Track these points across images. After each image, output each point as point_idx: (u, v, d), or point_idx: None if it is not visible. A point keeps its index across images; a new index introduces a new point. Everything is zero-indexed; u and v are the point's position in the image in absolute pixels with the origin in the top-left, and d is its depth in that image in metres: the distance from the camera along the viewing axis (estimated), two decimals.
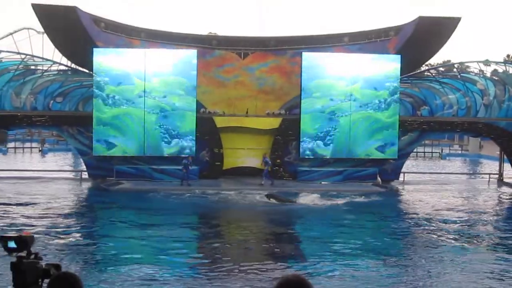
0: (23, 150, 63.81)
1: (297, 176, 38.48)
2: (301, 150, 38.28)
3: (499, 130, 40.24)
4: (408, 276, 18.55)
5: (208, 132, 38.00)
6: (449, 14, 41.76)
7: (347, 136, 38.17)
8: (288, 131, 38.79)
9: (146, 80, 36.93)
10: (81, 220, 27.38)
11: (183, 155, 36.68)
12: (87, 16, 37.54)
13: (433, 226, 26.68)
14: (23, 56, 38.90)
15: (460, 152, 72.02)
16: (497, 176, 43.17)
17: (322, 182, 37.85)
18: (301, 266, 19.50)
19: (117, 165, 37.31)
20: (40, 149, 64.15)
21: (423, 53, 39.86)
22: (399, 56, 38.07)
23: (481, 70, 41.21)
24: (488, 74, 41.59)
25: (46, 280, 4.60)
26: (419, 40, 38.18)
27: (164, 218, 27.67)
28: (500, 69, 41.93)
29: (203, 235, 25.33)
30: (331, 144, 38.19)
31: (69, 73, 39.58)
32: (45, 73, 38.62)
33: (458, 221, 27.86)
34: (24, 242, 4.76)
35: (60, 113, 38.12)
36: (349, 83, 38.00)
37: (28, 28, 44.48)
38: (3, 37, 42.80)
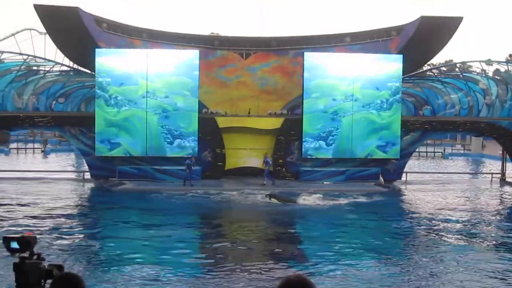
0: (25, 150, 63.89)
1: (300, 176, 38.49)
2: (303, 150, 38.27)
3: (501, 129, 40.23)
4: (410, 275, 18.52)
5: (210, 132, 38.01)
6: (450, 14, 41.64)
7: (349, 136, 38.16)
8: (290, 131, 38.79)
9: (148, 81, 36.95)
10: (83, 220, 27.40)
11: (185, 156, 36.69)
12: (89, 17, 37.56)
13: (435, 225, 26.65)
14: (25, 57, 38.95)
15: (462, 151, 72.09)
16: (499, 175, 43.17)
17: (325, 182, 37.83)
18: (303, 266, 19.48)
19: (119, 166, 37.33)
20: (43, 149, 64.26)
21: (425, 53, 39.86)
22: (401, 56, 38.07)
23: (483, 70, 41.21)
24: (490, 74, 41.54)
25: (49, 281, 4.61)
26: (421, 40, 38.18)
27: (166, 218, 27.66)
28: (502, 68, 41.91)
29: (205, 235, 25.31)
30: (333, 144, 38.18)
31: (71, 73, 39.59)
32: (47, 74, 38.65)
33: (460, 221, 27.83)
34: (27, 242, 4.77)
35: (62, 114, 38.16)
36: (351, 83, 37.99)
37: (30, 29, 44.55)
38: (5, 38, 42.83)
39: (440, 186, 39.94)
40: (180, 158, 36.94)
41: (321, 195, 32.86)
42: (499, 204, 34.69)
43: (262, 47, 40.60)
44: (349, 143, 38.23)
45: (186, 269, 19.10)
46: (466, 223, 27.41)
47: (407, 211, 31.28)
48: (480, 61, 41.39)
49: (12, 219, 26.20)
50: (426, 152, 64.95)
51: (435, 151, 66.62)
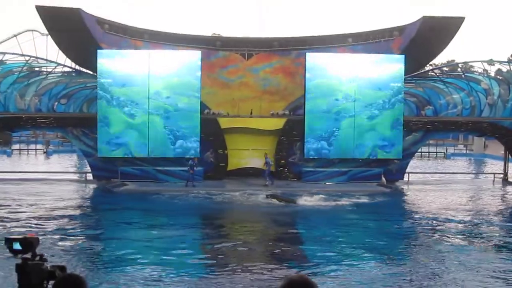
0: (27, 151, 63.99)
1: (302, 177, 38.48)
2: (305, 150, 38.25)
3: (503, 129, 40.21)
4: (412, 276, 18.52)
5: (212, 133, 38.02)
6: (452, 14, 41.62)
7: (351, 136, 38.12)
8: (292, 132, 38.78)
9: (150, 82, 36.95)
10: (86, 221, 27.41)
11: (188, 156, 36.70)
12: (91, 18, 37.59)
13: (437, 226, 26.64)
14: (27, 58, 38.98)
15: (464, 151, 71.99)
16: (502, 175, 43.11)
17: (327, 183, 37.80)
18: (305, 267, 19.50)
19: (121, 167, 37.34)
20: (45, 150, 64.31)
21: (427, 53, 39.82)
22: (403, 56, 38.07)
23: (485, 70, 41.16)
24: (492, 74, 41.47)
25: (51, 282, 4.61)
26: (423, 40, 38.16)
27: (169, 219, 27.70)
28: (504, 68, 41.86)
29: (207, 236, 25.31)
30: (335, 145, 38.14)
31: (73, 74, 39.59)
32: (49, 75, 38.69)
33: (462, 221, 27.81)
34: (29, 243, 4.76)
35: (65, 115, 38.20)
36: (353, 84, 37.96)
37: (32, 30, 44.42)
38: (7, 39, 42.76)
39: (442, 186, 39.90)
40: (182, 159, 36.95)
41: (323, 196, 32.92)
42: (502, 204, 34.66)
43: (264, 48, 40.60)
44: (351, 143, 38.21)
45: (189, 269, 19.12)
46: (469, 223, 27.40)
47: (409, 212, 31.27)
48: (482, 61, 41.37)
49: (14, 220, 26.24)
50: (429, 152, 64.89)
51: (437, 151, 66.55)
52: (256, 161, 38.63)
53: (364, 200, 33.03)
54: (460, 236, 24.64)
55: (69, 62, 40.09)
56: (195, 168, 36.00)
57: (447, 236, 24.51)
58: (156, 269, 18.69)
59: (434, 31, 37.95)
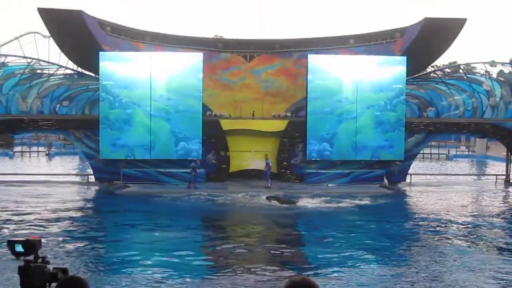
0: (29, 154, 64.00)
1: (304, 179, 38.47)
2: (307, 152, 38.24)
3: (505, 131, 40.21)
4: (414, 277, 18.50)
5: (214, 135, 38.03)
6: (453, 15, 41.61)
7: (353, 138, 38.12)
8: (294, 133, 38.78)
9: (152, 84, 36.96)
10: (88, 223, 27.40)
11: (190, 158, 36.71)
12: (93, 20, 37.61)
13: (439, 227, 26.63)
14: (29, 60, 39.03)
15: (467, 153, 72.00)
16: (504, 177, 43.07)
17: (329, 184, 37.80)
18: (307, 268, 19.49)
19: (123, 169, 37.35)
20: (47, 153, 64.35)
21: (429, 55, 39.82)
22: (405, 58, 38.05)
23: (487, 71, 41.13)
24: (494, 75, 41.44)
25: (54, 284, 4.61)
26: (424, 42, 38.16)
27: (171, 221, 27.72)
28: (506, 70, 41.80)
29: (209, 237, 25.28)
30: (337, 146, 38.12)
31: (75, 77, 39.64)
32: (51, 77, 38.71)
33: (465, 223, 27.77)
34: (32, 246, 4.77)
35: (67, 117, 38.22)
36: (355, 85, 37.96)
37: (34, 32, 44.56)
38: (9, 42, 42.87)
39: (444, 187, 39.88)
40: (184, 160, 36.97)
41: (325, 197, 32.94)
42: (504, 206, 34.62)
43: (266, 50, 40.62)
44: (353, 145, 38.19)
45: (191, 271, 19.10)
46: (471, 225, 27.35)
47: (411, 213, 31.24)
48: (484, 63, 41.37)
49: (16, 222, 26.25)
50: (431, 153, 64.88)
51: (440, 152, 66.51)
52: (258, 163, 38.60)
53: (366, 201, 33.01)
54: (462, 238, 24.61)
55: (71, 64, 40.17)
56: (197, 170, 36.03)
57: (449, 238, 24.48)
58: (158, 271, 18.66)
59: (436, 33, 37.94)
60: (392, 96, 38.07)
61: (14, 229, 24.55)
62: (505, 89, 39.93)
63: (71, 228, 25.73)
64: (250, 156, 39.30)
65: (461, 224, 27.50)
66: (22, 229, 24.55)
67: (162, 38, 39.86)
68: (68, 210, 29.94)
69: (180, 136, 37.23)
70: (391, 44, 39.64)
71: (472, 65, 44.47)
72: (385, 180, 37.93)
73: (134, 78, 36.88)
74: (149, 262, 19.85)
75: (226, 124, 38.47)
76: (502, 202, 36.12)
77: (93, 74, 38.49)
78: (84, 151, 39.11)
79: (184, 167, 36.73)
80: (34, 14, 36.64)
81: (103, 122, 36.72)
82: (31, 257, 4.75)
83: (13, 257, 4.82)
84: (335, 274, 18.59)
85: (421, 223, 27.93)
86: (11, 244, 4.78)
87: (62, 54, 39.09)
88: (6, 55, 39.15)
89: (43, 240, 4.99)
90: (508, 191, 39.72)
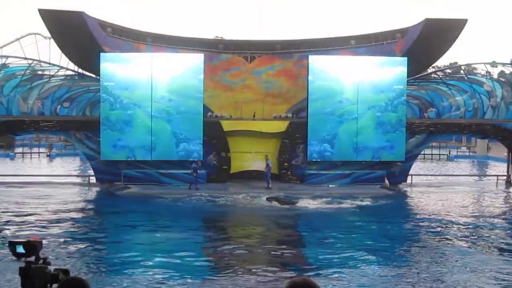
0: (30, 155, 63.99)
1: (305, 179, 38.45)
2: (308, 153, 38.24)
3: (506, 131, 40.20)
4: (414, 278, 18.49)
5: (215, 136, 38.00)
6: (453, 15, 41.66)
7: (354, 139, 38.10)
8: (295, 134, 38.76)
9: (153, 85, 36.95)
10: (89, 224, 27.41)
11: (191, 159, 36.70)
12: (94, 21, 37.61)
13: (440, 228, 26.62)
14: (30, 61, 39.02)
15: (467, 154, 71.98)
16: (505, 177, 43.06)
17: (330, 185, 37.80)
18: (308, 269, 19.49)
19: (124, 170, 37.36)
20: (48, 154, 64.33)
21: (430, 55, 39.79)
22: (405, 59, 38.02)
23: (488, 72, 41.11)
24: (495, 76, 41.41)
25: (55, 285, 4.61)
26: (425, 42, 38.14)
27: (172, 221, 27.73)
28: (507, 70, 41.72)
29: (210, 238, 25.30)
30: (338, 147, 38.11)
31: (76, 78, 39.64)
32: (52, 78, 38.72)
33: (466, 223, 27.77)
34: (33, 247, 4.77)
35: (68, 118, 38.24)
36: (356, 86, 37.94)
37: (34, 34, 44.51)
38: (10, 43, 42.85)
39: (445, 188, 39.87)
40: (185, 161, 36.96)
41: (326, 198, 32.95)
42: (505, 206, 34.63)
43: (267, 51, 40.62)
44: (354, 146, 38.18)
45: (192, 272, 19.11)
46: (472, 226, 27.35)
47: (412, 214, 31.22)
48: (485, 63, 41.32)
49: (17, 223, 26.26)
50: (432, 154, 64.89)
51: (441, 153, 66.54)
52: (259, 164, 38.57)
53: (367, 202, 32.99)
54: (463, 239, 24.60)
55: (72, 66, 40.14)
56: (198, 171, 36.03)
57: (450, 239, 24.48)
58: (159, 272, 18.68)
59: (437, 33, 37.93)
60: (393, 97, 38.07)
61: (15, 230, 24.57)
62: (506, 90, 39.93)
63: (72, 229, 25.74)
64: (251, 157, 39.27)
65: (462, 225, 27.49)
66: (23, 230, 24.57)
67: (163, 39, 39.85)
68: (69, 211, 29.95)
69: (181, 137, 37.23)
70: (392, 45, 39.63)
71: (473, 65, 44.56)
72: (386, 181, 37.92)
73: (135, 79, 36.87)
74: (150, 263, 19.86)
75: (227, 125, 38.45)
76: (503, 202, 36.12)
77: (94, 75, 38.50)
78: (85, 152, 39.11)
79: (185, 168, 36.74)
80: (34, 14, 36.65)
81: (104, 123, 36.71)
82: (32, 258, 4.75)
83: (14, 258, 4.82)
84: (336, 275, 18.59)
85: (422, 223, 27.93)
86: (12, 245, 4.79)
87: (63, 55, 39.08)
88: (7, 56, 39.15)
89: (44, 241, 4.99)
90: (509, 192, 39.73)
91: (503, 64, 42.05)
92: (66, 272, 4.73)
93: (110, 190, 36.26)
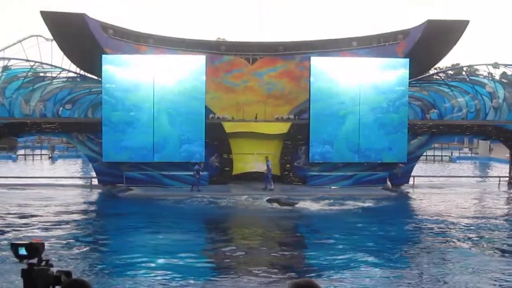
0: (33, 157, 64.02)
1: (307, 181, 38.46)
2: (310, 154, 38.22)
3: (508, 132, 40.19)
4: (416, 279, 18.49)
5: (217, 137, 38.00)
6: (454, 16, 41.67)
7: (356, 140, 38.07)
8: (297, 136, 38.74)
9: (154, 86, 36.96)
10: (91, 226, 27.41)
11: (193, 161, 36.69)
12: (95, 23, 37.65)
13: (442, 229, 26.61)
14: (32, 63, 39.06)
15: (470, 155, 71.93)
16: (507, 179, 43.03)
17: (332, 187, 37.79)
18: (310, 271, 19.48)
19: (126, 171, 37.35)
20: (50, 156, 64.36)
21: (432, 57, 39.79)
22: (407, 60, 38.01)
23: (490, 73, 41.11)
24: (497, 77, 41.40)
25: (57, 287, 4.61)
26: (427, 44, 38.14)
27: (174, 223, 27.68)
28: (509, 71, 41.70)
29: (213, 240, 25.30)
30: (340, 149, 38.07)
31: (78, 79, 39.67)
32: (54, 80, 38.75)
33: (468, 225, 27.76)
34: (35, 249, 4.77)
35: (70, 120, 38.25)
36: (358, 87, 37.93)
37: (36, 36, 44.67)
38: (12, 45, 42.99)
39: (447, 189, 39.86)
40: (187, 163, 36.95)
41: (327, 200, 32.95)
42: (507, 208, 34.62)
43: (269, 52, 40.64)
44: (356, 147, 38.15)
45: (194, 273, 19.10)
46: (474, 227, 27.32)
47: (414, 215, 31.18)
48: (487, 64, 41.30)
49: (20, 225, 26.27)
50: (434, 155, 64.87)
51: (443, 154, 66.50)
52: (261, 166, 38.52)
53: (369, 204, 32.96)
54: (465, 240, 24.57)
55: (74, 67, 40.19)
56: (200, 173, 36.04)
57: (452, 240, 24.44)
58: (161, 274, 18.69)
59: (439, 35, 37.92)
60: (395, 98, 38.05)
61: (18, 232, 24.57)
62: (508, 91, 39.93)
63: (74, 231, 25.74)
64: (253, 159, 39.26)
65: (464, 226, 27.48)
66: (26, 232, 24.57)
67: (165, 41, 39.90)
68: (71, 213, 29.96)
69: (183, 139, 37.20)
70: (394, 46, 39.64)
71: (475, 67, 44.43)
72: (388, 182, 37.88)
73: (136, 81, 36.87)
74: (153, 265, 19.87)
75: (229, 127, 38.46)
76: (505, 204, 36.10)
77: (95, 77, 38.54)
78: (87, 154, 39.12)
79: (187, 170, 36.74)
80: (34, 14, 36.74)
81: (106, 125, 36.72)
82: (34, 260, 4.75)
83: (17, 260, 4.82)
84: (338, 277, 18.59)
85: (424, 225, 27.92)
86: (14, 247, 4.79)
87: (65, 57, 39.15)
88: (9, 58, 39.20)
89: (46, 243, 4.99)
90: (511, 193, 39.67)
91: (505, 65, 42.02)
92: (68, 274, 4.73)
93: (112, 192, 36.26)
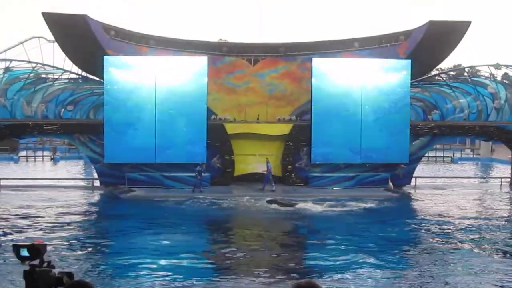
0: (34, 158, 64.08)
1: (309, 182, 38.43)
2: (312, 155, 38.20)
3: (510, 133, 40.17)
4: (418, 280, 18.47)
5: (219, 138, 37.98)
6: (454, 16, 41.64)
7: (358, 141, 38.02)
8: (299, 137, 38.72)
9: (156, 87, 36.95)
10: (93, 227, 27.47)
11: (195, 162, 36.66)
12: (97, 24, 37.66)
13: (444, 230, 26.63)
14: (34, 65, 39.08)
15: (471, 156, 71.84)
16: (509, 179, 43.01)
17: (334, 188, 37.77)
18: (312, 272, 19.49)
19: (128, 173, 37.34)
20: (52, 157, 64.35)
21: (434, 58, 39.78)
22: (409, 61, 37.99)
23: (491, 74, 41.06)
24: (499, 78, 41.40)
25: None
26: (429, 45, 38.15)
27: (176, 224, 27.65)
28: (511, 72, 41.73)
29: (214, 241, 25.32)
30: (342, 150, 38.02)
31: (80, 81, 39.67)
32: (56, 82, 38.77)
33: (469, 225, 27.75)
34: (37, 250, 4.77)
35: (71, 121, 38.27)
36: (360, 88, 37.89)
37: (38, 37, 44.61)
38: (13, 46, 42.94)
39: (449, 190, 39.83)
40: (189, 164, 36.93)
41: (329, 201, 32.92)
42: (509, 209, 34.60)
43: (270, 53, 40.62)
44: (358, 148, 38.11)
45: (196, 274, 19.12)
46: (475, 228, 27.31)
47: (416, 216, 31.12)
48: (488, 65, 41.27)
49: (21, 227, 26.28)
50: (435, 156, 64.80)
51: (444, 155, 66.45)
52: (263, 167, 38.51)
53: (371, 205, 32.91)
54: (467, 241, 24.57)
55: (75, 69, 40.19)
56: (202, 174, 36.03)
57: (454, 241, 24.45)
58: (163, 275, 18.71)
59: (440, 36, 37.93)
60: (396, 99, 38.00)
61: (20, 234, 24.59)
62: (510, 92, 39.90)
63: (76, 232, 25.76)
64: (254, 160, 39.23)
65: (466, 227, 27.48)
66: (27, 233, 24.59)
67: (166, 42, 39.90)
68: (73, 214, 29.97)
69: (184, 140, 37.17)
70: (396, 47, 39.62)
71: (477, 67, 44.35)
72: (390, 183, 37.84)
73: (138, 82, 36.86)
74: (154, 266, 19.88)
75: (230, 128, 38.45)
76: (507, 205, 36.05)
77: (97, 78, 38.53)
78: (89, 155, 39.13)
79: (189, 171, 36.72)
80: (34, 14, 36.88)
81: (107, 126, 36.69)
82: (36, 262, 4.75)
83: (19, 261, 4.82)
84: (340, 277, 18.59)
85: (425, 226, 27.90)
86: (16, 248, 4.79)
87: (67, 59, 39.15)
88: (11, 60, 39.19)
89: (48, 244, 4.99)
90: None
91: (507, 66, 42.01)
92: (70, 275, 4.73)
93: (114, 193, 36.28)
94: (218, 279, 18.59)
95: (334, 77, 37.92)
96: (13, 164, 58.34)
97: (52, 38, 39.80)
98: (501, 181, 43.00)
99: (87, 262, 20.42)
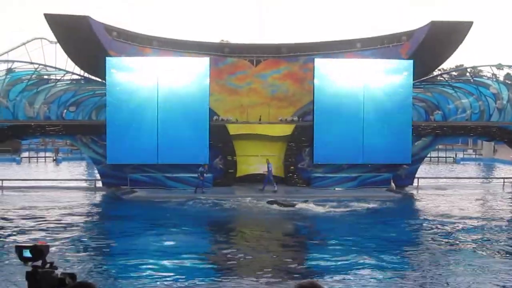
0: (37, 159, 64.14)
1: (311, 183, 38.41)
2: (314, 156, 38.18)
3: None
4: (420, 280, 18.46)
5: (221, 139, 37.98)
6: (454, 16, 41.64)
7: (360, 141, 38.00)
8: (301, 138, 38.72)
9: (158, 88, 36.95)
10: (95, 228, 27.49)
11: (197, 163, 36.65)
12: (99, 25, 37.68)
13: (446, 230, 26.59)
14: (36, 66, 39.07)
15: (474, 156, 71.80)
16: (511, 180, 42.95)
17: (336, 188, 37.75)
18: (314, 272, 19.48)
19: (131, 174, 37.34)
20: (54, 158, 64.37)
21: (436, 58, 39.76)
22: (411, 61, 37.97)
23: (494, 74, 41.01)
24: (501, 78, 41.36)
25: None
26: (431, 45, 38.13)
27: (178, 225, 27.65)
28: None
29: (216, 241, 25.29)
30: (344, 150, 37.99)
31: (82, 82, 39.69)
32: (58, 83, 38.79)
33: (472, 226, 27.73)
34: (39, 251, 4.77)
35: (74, 122, 38.29)
36: (362, 89, 37.86)
37: (40, 38, 44.59)
38: (16, 47, 42.94)
39: (452, 191, 39.83)
40: (191, 165, 36.91)
41: (331, 202, 32.91)
42: (511, 209, 34.56)
43: (273, 54, 40.61)
44: (360, 148, 38.09)
45: (197, 275, 19.10)
46: (478, 228, 27.29)
47: (418, 217, 31.11)
48: (490, 66, 41.22)
49: (24, 228, 26.29)
50: (438, 157, 64.75)
51: (447, 156, 66.41)
52: (265, 168, 38.51)
53: (374, 205, 32.91)
54: (469, 241, 24.57)
55: (78, 70, 40.19)
56: (205, 175, 36.02)
57: (456, 241, 24.45)
58: (165, 275, 18.70)
59: (443, 36, 37.92)
60: (398, 100, 37.96)
61: (22, 235, 24.61)
62: None
63: (79, 233, 25.77)
64: (257, 161, 39.22)
65: (468, 227, 27.45)
66: (30, 234, 24.60)
67: (169, 43, 39.90)
68: (75, 215, 30.00)
69: (186, 141, 37.13)
70: (398, 47, 39.61)
71: (479, 68, 44.31)
72: (392, 184, 37.82)
73: (140, 83, 36.87)
74: (157, 267, 19.88)
75: (232, 129, 38.44)
76: (509, 205, 36.02)
77: (99, 79, 38.54)
78: (91, 156, 39.16)
79: (191, 172, 36.71)
80: (34, 14, 36.89)
81: (109, 127, 36.69)
82: (39, 263, 4.75)
83: (21, 262, 4.83)
84: (342, 278, 18.58)
85: (427, 226, 27.88)
86: (19, 249, 4.79)
87: (69, 60, 39.17)
88: (13, 61, 39.19)
89: (50, 245, 4.99)
90: None
91: (509, 66, 41.97)
92: (73, 276, 4.73)
93: (116, 194, 36.30)
94: (220, 280, 18.59)
95: (336, 78, 37.90)
96: (15, 165, 58.38)
97: (54, 39, 39.79)
98: (504, 182, 42.97)
99: (90, 263, 20.44)
